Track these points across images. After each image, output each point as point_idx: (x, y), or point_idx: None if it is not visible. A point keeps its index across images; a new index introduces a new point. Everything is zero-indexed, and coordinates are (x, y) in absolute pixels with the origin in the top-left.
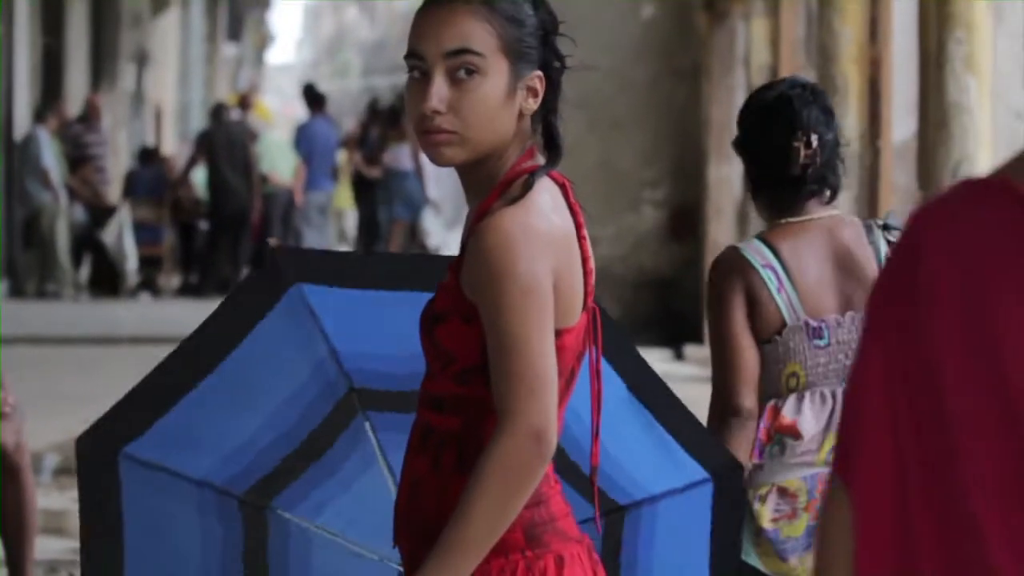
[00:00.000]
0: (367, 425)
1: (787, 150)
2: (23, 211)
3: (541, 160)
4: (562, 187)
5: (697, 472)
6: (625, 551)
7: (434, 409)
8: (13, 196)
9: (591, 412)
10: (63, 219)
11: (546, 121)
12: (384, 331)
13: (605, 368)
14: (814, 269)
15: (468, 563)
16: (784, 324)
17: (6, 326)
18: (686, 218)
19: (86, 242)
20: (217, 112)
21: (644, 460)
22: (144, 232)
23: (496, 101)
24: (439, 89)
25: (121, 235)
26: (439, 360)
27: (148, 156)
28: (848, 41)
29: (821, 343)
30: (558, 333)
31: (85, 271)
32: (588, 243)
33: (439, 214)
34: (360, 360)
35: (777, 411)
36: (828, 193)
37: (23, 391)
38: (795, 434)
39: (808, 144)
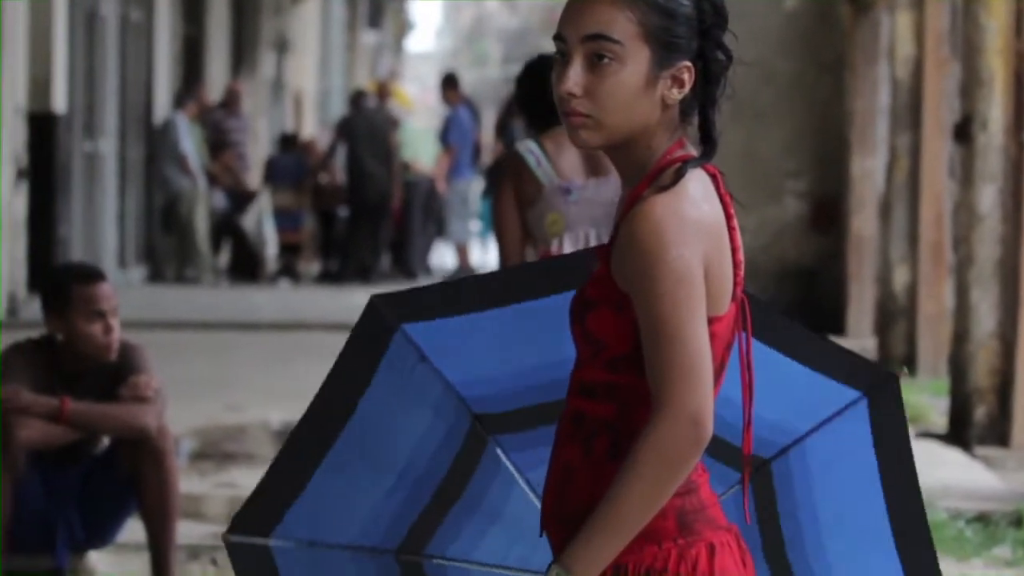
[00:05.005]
0: (498, 451)
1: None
2: (162, 197)
3: (692, 150)
4: (713, 178)
5: (845, 394)
6: (781, 499)
7: (585, 396)
8: (153, 182)
9: (742, 401)
10: (202, 205)
11: (703, 113)
12: (487, 353)
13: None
14: (569, 155)
15: (616, 545)
16: (543, 187)
17: (145, 311)
18: (828, 210)
19: (226, 228)
20: (356, 99)
21: (782, 403)
22: (284, 219)
23: (632, 88)
24: (575, 72)
25: (261, 221)
26: (590, 347)
27: (288, 143)
28: (994, 34)
29: (572, 199)
30: (709, 321)
31: (225, 257)
32: (738, 234)
33: None
34: (474, 387)
35: (547, 251)
36: None
37: (162, 376)
38: None
39: None
